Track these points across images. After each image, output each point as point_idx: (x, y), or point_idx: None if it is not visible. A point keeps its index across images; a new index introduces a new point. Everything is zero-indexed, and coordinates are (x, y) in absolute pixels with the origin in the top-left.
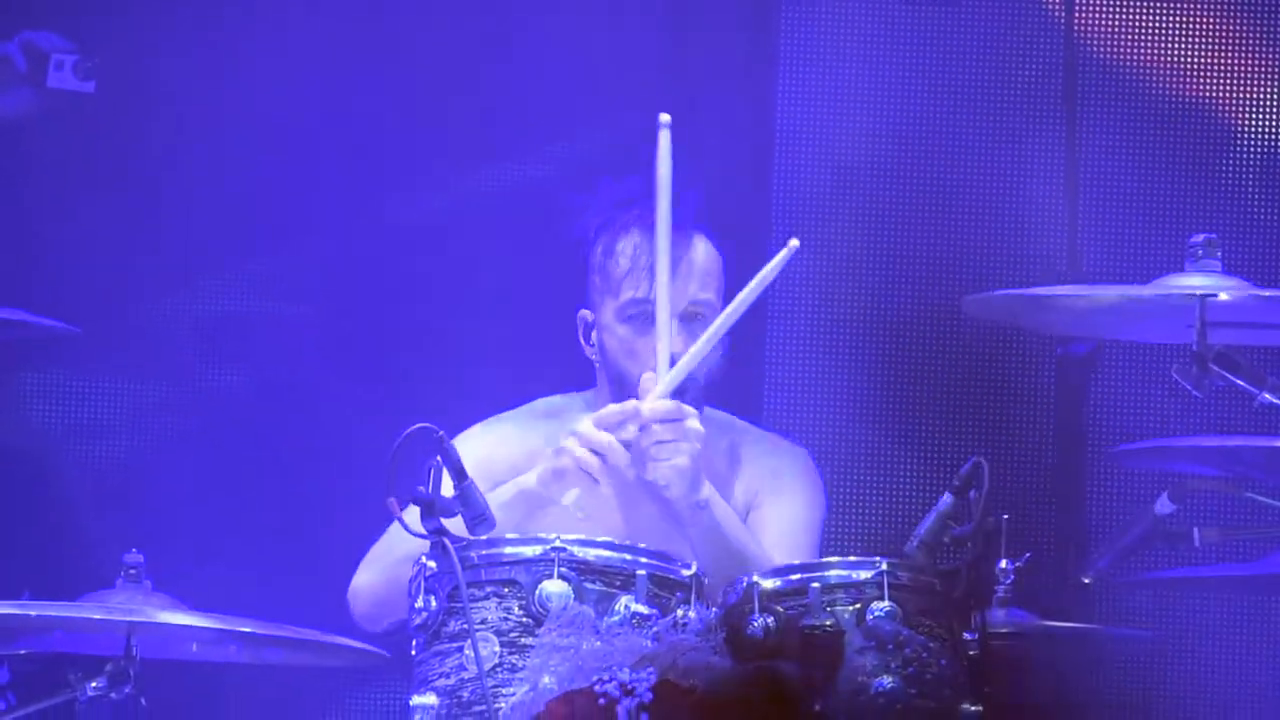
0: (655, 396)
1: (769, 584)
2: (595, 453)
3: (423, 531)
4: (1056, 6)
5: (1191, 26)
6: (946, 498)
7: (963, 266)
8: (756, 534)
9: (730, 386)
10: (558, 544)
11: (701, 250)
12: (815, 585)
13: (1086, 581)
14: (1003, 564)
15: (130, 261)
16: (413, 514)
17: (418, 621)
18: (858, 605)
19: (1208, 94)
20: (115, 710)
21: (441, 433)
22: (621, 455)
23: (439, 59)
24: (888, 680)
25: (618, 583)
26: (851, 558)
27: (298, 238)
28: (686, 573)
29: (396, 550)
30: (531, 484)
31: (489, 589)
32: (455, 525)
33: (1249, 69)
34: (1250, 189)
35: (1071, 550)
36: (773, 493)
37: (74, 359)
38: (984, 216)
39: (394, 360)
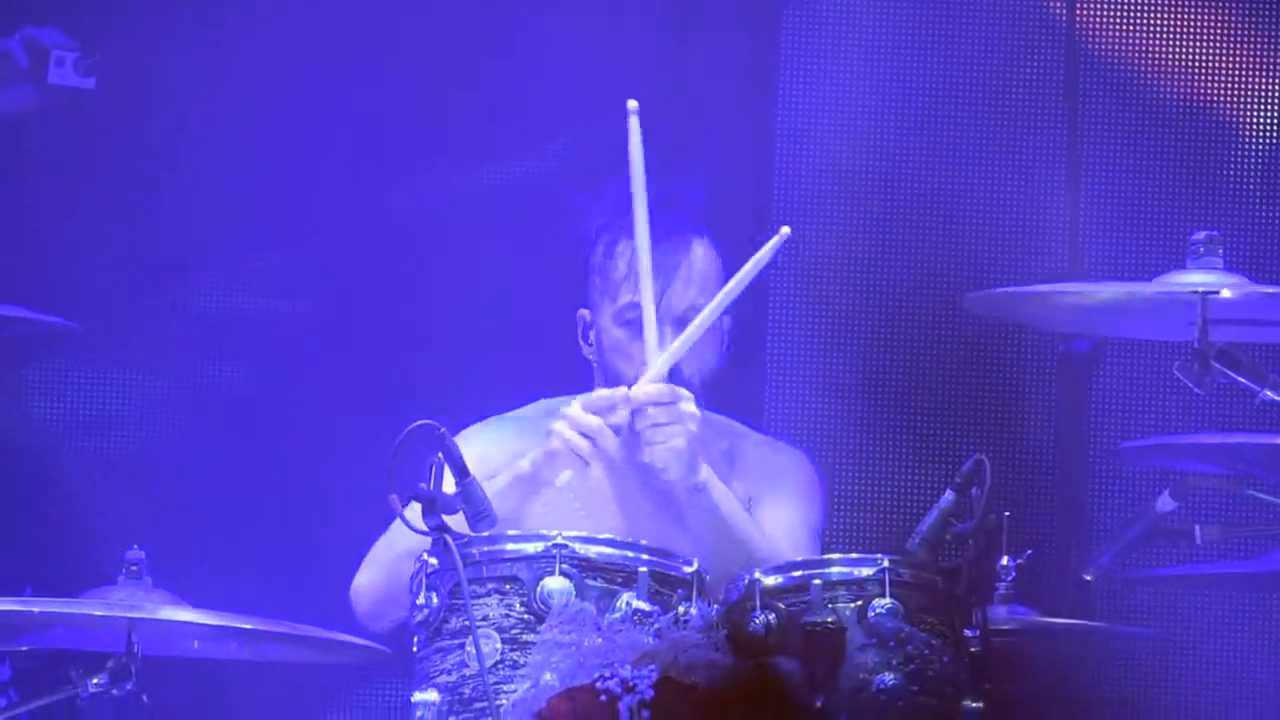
0: (648, 380)
1: (770, 581)
2: (585, 436)
3: (424, 528)
4: (1058, 4)
5: (1193, 24)
6: (948, 495)
7: (964, 264)
8: None
9: (731, 385)
10: (559, 541)
11: (700, 255)
12: (817, 582)
13: (1088, 579)
14: (1004, 561)
15: (131, 258)
16: (414, 511)
17: (419, 618)
18: (859, 602)
19: (1209, 91)
20: (117, 707)
21: (443, 429)
22: (610, 439)
23: (440, 57)
24: (889, 677)
25: (619, 579)
26: (853, 555)
27: (299, 234)
28: (688, 569)
29: (397, 547)
30: (525, 469)
31: (490, 586)
32: (457, 522)
33: (1251, 66)
34: (1252, 186)
35: (1073, 547)
36: (772, 494)
37: (75, 355)
38: (985, 214)
39: (395, 357)
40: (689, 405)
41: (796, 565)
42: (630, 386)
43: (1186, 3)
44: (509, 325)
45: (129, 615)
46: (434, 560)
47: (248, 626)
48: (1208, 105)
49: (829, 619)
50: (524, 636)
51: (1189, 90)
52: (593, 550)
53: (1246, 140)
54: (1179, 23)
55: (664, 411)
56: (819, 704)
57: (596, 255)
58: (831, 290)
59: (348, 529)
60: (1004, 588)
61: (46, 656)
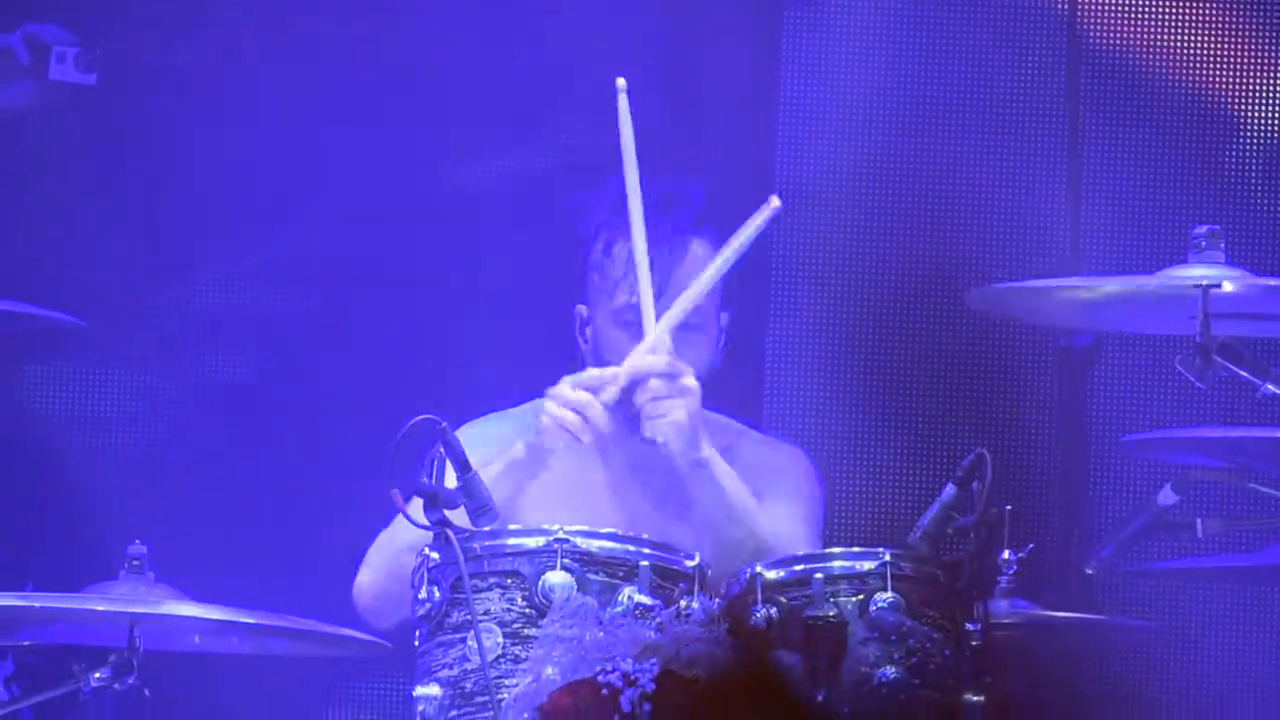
0: (645, 349)
1: (772, 574)
2: (574, 411)
3: (426, 523)
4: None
5: (1194, 17)
6: (950, 489)
7: (966, 260)
8: None
9: (731, 382)
10: (561, 535)
11: (699, 255)
12: (818, 576)
13: (1089, 572)
14: (1006, 555)
15: (133, 253)
16: (416, 506)
17: (421, 612)
18: (861, 596)
19: (1211, 85)
20: (119, 701)
21: (445, 424)
22: (599, 411)
23: (441, 54)
24: (891, 671)
25: (621, 574)
26: (855, 548)
27: (300, 230)
28: (690, 564)
29: (398, 543)
30: (520, 453)
31: (492, 580)
32: (458, 517)
33: (1252, 60)
34: (1253, 180)
35: (1074, 541)
36: (771, 492)
37: (77, 351)
38: (987, 209)
39: (396, 353)
40: (689, 379)
41: (798, 559)
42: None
43: None
44: (509, 321)
45: (131, 610)
46: (435, 555)
47: (249, 621)
48: (1209, 99)
49: (830, 613)
50: (525, 631)
51: (1190, 84)
52: (594, 544)
53: (1248, 134)
54: (1180, 17)
55: (666, 383)
56: (820, 698)
57: (595, 253)
58: (832, 286)
59: (349, 524)
60: (1005, 581)
61: (48, 651)
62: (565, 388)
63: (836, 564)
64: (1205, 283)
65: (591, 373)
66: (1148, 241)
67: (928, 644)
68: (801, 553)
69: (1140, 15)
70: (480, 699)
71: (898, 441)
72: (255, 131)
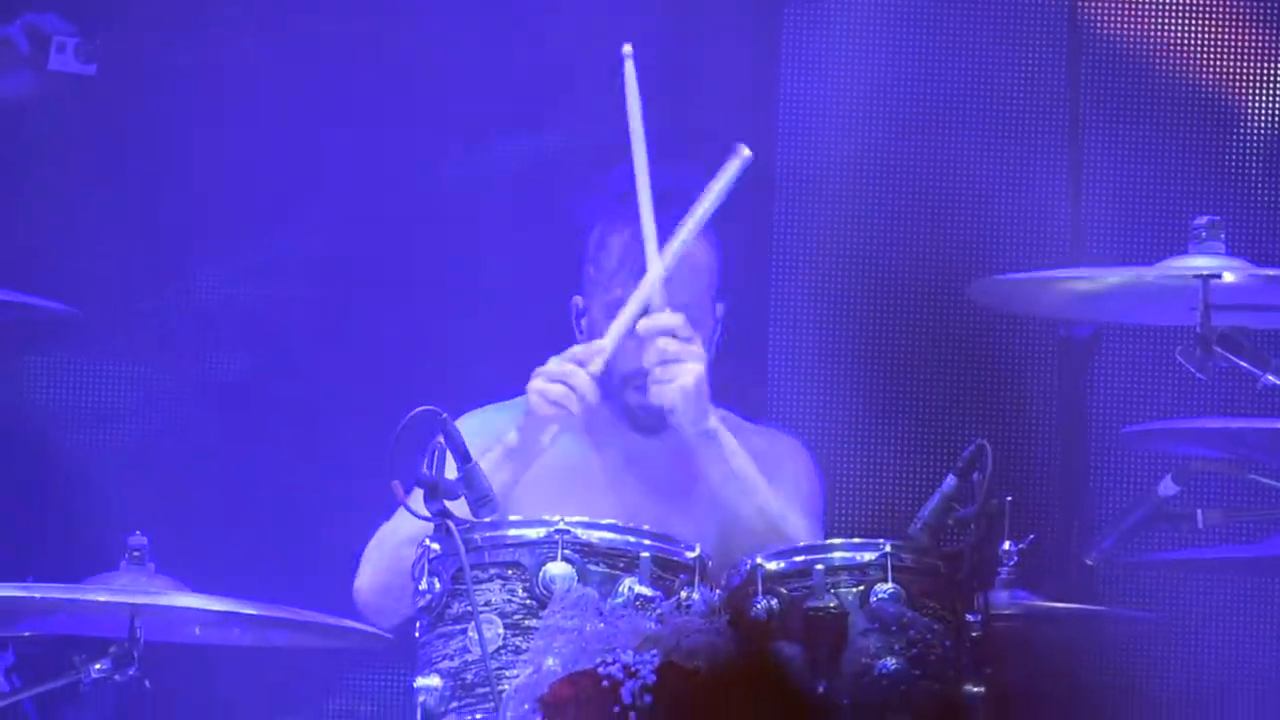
0: (637, 303)
1: (772, 566)
2: (561, 383)
3: (426, 514)
4: None
5: (1194, 8)
6: (950, 480)
7: (966, 251)
8: None
9: (733, 373)
10: (562, 526)
11: (695, 251)
12: (819, 567)
13: (1090, 563)
14: (1006, 546)
15: (132, 245)
16: (416, 496)
17: (422, 603)
18: (861, 587)
19: (1211, 76)
20: (119, 692)
21: (445, 415)
22: (585, 381)
23: (441, 49)
24: (891, 662)
25: (621, 565)
26: (855, 539)
27: (299, 223)
28: (690, 555)
29: (397, 536)
30: (514, 441)
31: (493, 571)
32: (459, 508)
33: (1253, 50)
34: (1254, 171)
35: (1075, 532)
36: (772, 483)
37: (77, 342)
38: (987, 202)
39: (395, 345)
40: (698, 345)
41: (799, 550)
42: (621, 376)
43: None
44: (508, 318)
45: (132, 601)
46: (436, 546)
47: (250, 612)
48: (1210, 90)
49: (831, 604)
50: (526, 622)
51: (1190, 76)
52: (595, 535)
53: (1248, 125)
54: (1180, 8)
55: (676, 343)
56: (821, 689)
57: (590, 246)
58: (833, 279)
59: (349, 516)
60: (1006, 572)
61: (49, 642)
62: (551, 363)
63: (837, 555)
64: (1206, 273)
65: (577, 347)
66: (1148, 232)
67: (928, 635)
68: (803, 544)
69: (1140, 7)
70: (481, 690)
71: (898, 433)
72: (255, 125)
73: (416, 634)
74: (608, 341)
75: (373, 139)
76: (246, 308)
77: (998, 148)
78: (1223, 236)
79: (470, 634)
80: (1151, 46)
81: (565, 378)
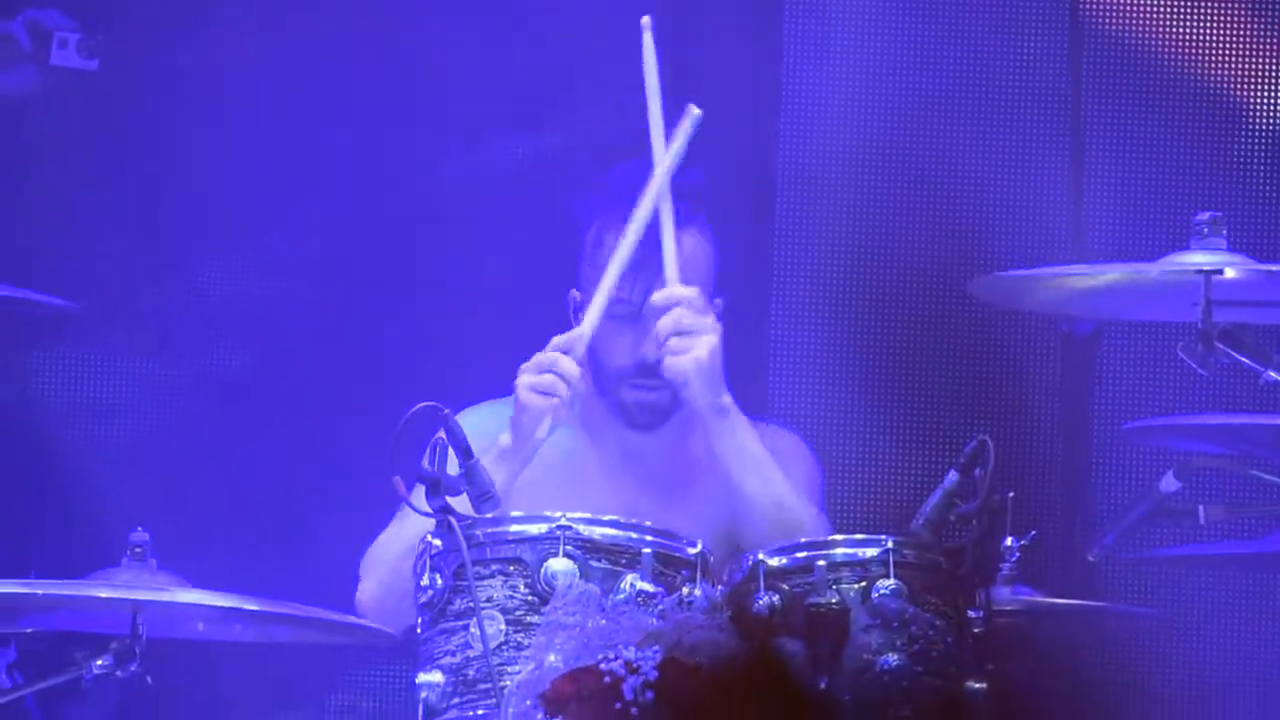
0: (611, 279)
1: (774, 562)
2: (545, 371)
3: (428, 510)
4: None
5: (1197, 3)
6: (952, 476)
7: (967, 247)
8: None
9: (734, 369)
10: (564, 522)
11: (688, 245)
12: (821, 563)
13: (1092, 559)
14: (1008, 541)
15: (134, 240)
16: (418, 492)
17: (423, 600)
18: (863, 583)
19: (1213, 72)
20: (121, 688)
21: (447, 411)
22: (569, 366)
23: (442, 44)
24: (893, 658)
25: (623, 561)
26: (857, 535)
27: (301, 218)
28: (692, 551)
29: (399, 543)
30: (507, 442)
31: (494, 567)
32: (460, 504)
33: (1256, 45)
34: (1256, 166)
35: (1077, 528)
36: None
37: (79, 338)
38: (989, 197)
39: (398, 341)
40: (711, 318)
41: (800, 546)
42: (616, 372)
43: None
44: (509, 313)
45: (133, 597)
46: (438, 542)
47: (253, 608)
48: (1212, 86)
49: (833, 600)
50: (528, 618)
51: (1193, 70)
52: (597, 531)
53: (1251, 120)
54: (1183, 3)
55: (691, 315)
56: (823, 685)
57: (588, 243)
58: (834, 274)
59: (351, 510)
60: (1008, 568)
61: (51, 638)
62: (534, 357)
63: (839, 551)
64: (1207, 269)
65: (557, 338)
66: (1150, 228)
67: (930, 631)
68: (808, 536)
69: (1142, 1)
70: (483, 686)
71: (900, 428)
72: (257, 121)
73: (418, 630)
74: (585, 327)
75: (373, 137)
76: (248, 304)
77: (999, 143)
78: (1225, 232)
79: (472, 630)
80: (1153, 41)
81: (550, 366)
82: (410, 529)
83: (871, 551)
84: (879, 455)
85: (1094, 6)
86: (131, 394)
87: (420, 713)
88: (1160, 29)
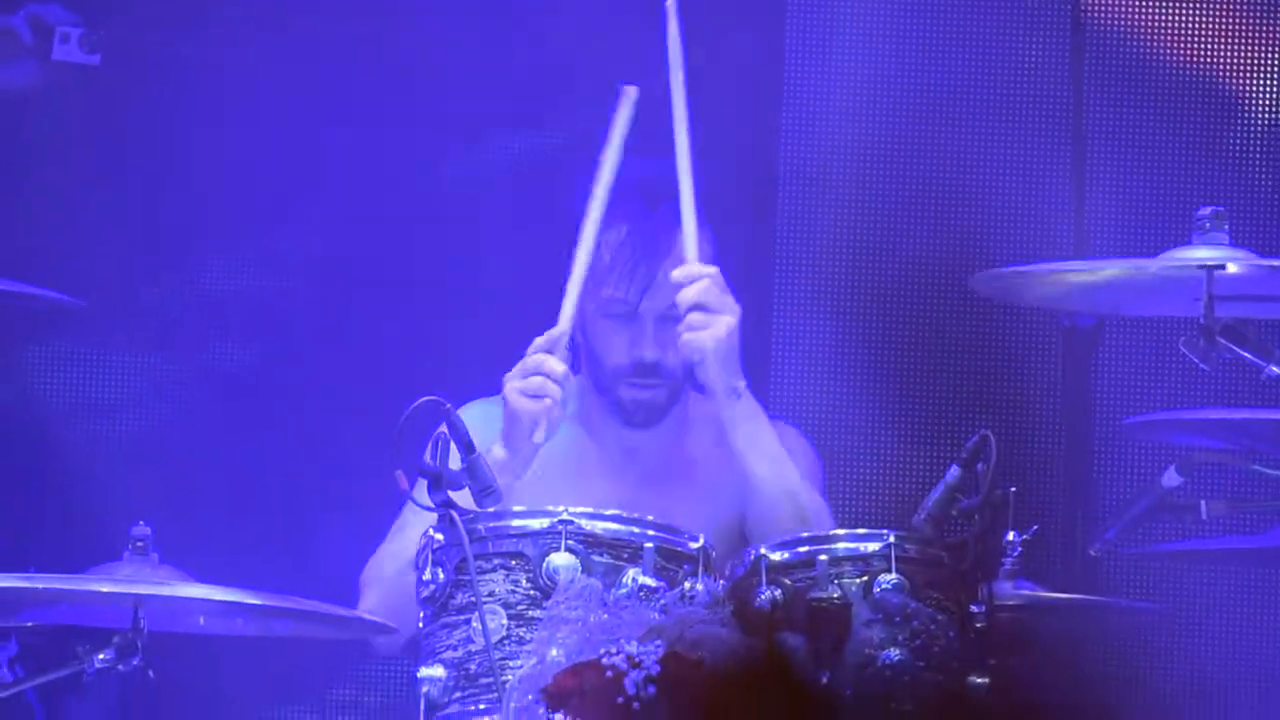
0: (581, 270)
1: (776, 556)
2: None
3: (430, 504)
4: None
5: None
6: (954, 471)
7: (969, 242)
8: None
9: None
10: (565, 516)
11: (684, 244)
12: (823, 558)
13: (1093, 554)
14: (1010, 536)
15: (136, 235)
16: (420, 487)
17: (425, 594)
18: (865, 578)
19: (1215, 67)
20: (123, 682)
21: (449, 405)
22: (557, 365)
23: (442, 38)
24: (895, 652)
25: (625, 555)
26: (859, 530)
27: (303, 214)
28: (694, 545)
29: (399, 559)
30: (502, 455)
31: (496, 561)
32: (462, 498)
33: (1258, 41)
34: (1258, 161)
35: (1079, 523)
36: None
37: (81, 333)
38: (991, 193)
39: (399, 336)
40: (730, 298)
41: (802, 540)
42: (613, 371)
43: None
44: (509, 311)
45: (135, 591)
46: (440, 536)
47: (254, 602)
48: (1214, 81)
49: (835, 594)
50: (530, 612)
51: (1195, 66)
52: (599, 526)
53: (1253, 116)
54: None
55: (715, 292)
56: (824, 680)
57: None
58: (836, 269)
59: (353, 505)
60: (1010, 563)
61: (52, 632)
62: (519, 364)
63: (841, 545)
64: (1210, 264)
65: (538, 339)
66: (1152, 223)
67: (932, 626)
68: (806, 534)
69: None
70: (485, 680)
71: (902, 424)
72: (259, 118)
73: (420, 624)
74: (564, 323)
75: (373, 136)
76: (249, 300)
77: (1001, 139)
78: (1227, 227)
79: (474, 624)
80: (1156, 37)
81: (536, 368)
82: (409, 541)
83: (873, 546)
84: (881, 450)
85: (1096, 4)
86: (133, 390)
87: (422, 707)
88: (1162, 25)
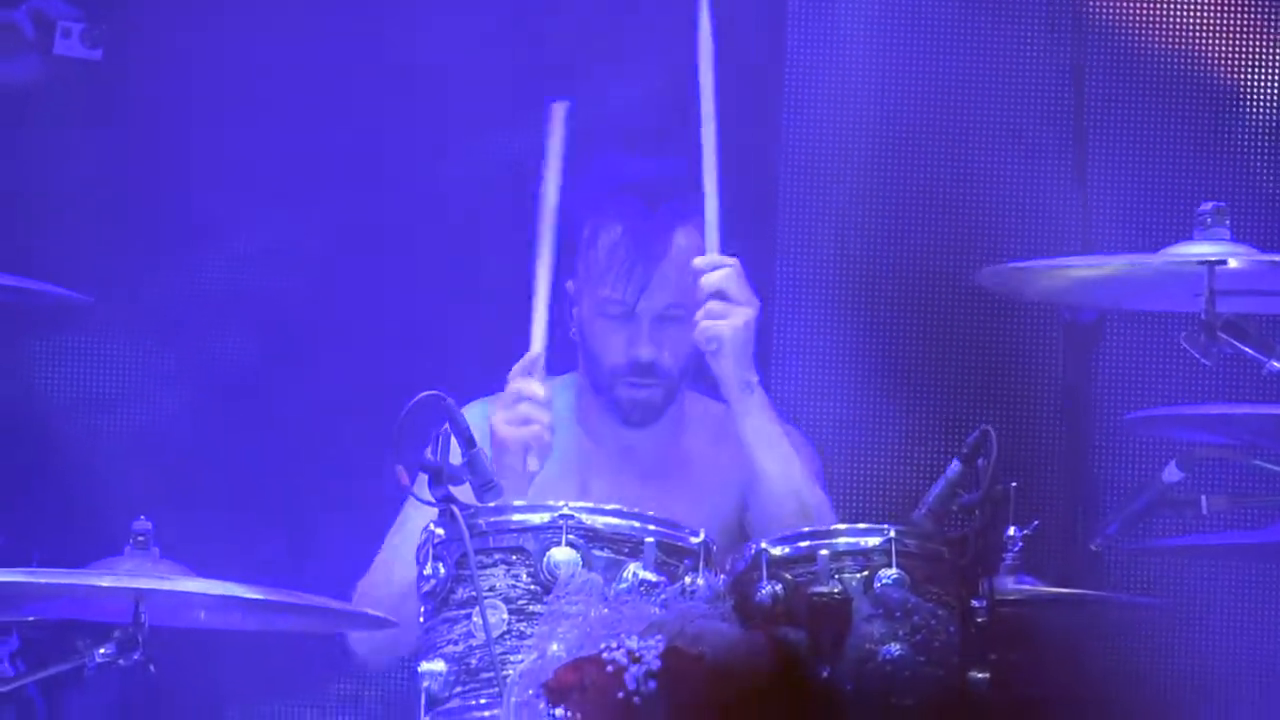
0: (545, 280)
1: (777, 551)
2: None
3: (431, 499)
4: None
5: None
6: (955, 465)
7: (970, 238)
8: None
9: None
10: (566, 511)
11: (682, 246)
12: (823, 552)
13: (1094, 549)
14: (1011, 531)
15: (136, 229)
16: (421, 482)
17: (426, 589)
18: (866, 572)
19: (1218, 62)
20: (124, 677)
21: (450, 400)
22: (538, 389)
23: (442, 34)
24: (895, 647)
25: (626, 550)
26: (860, 525)
27: (305, 209)
28: (695, 540)
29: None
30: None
31: (497, 556)
32: (463, 493)
33: (1260, 36)
34: (1260, 157)
35: (1079, 518)
36: None
37: (83, 328)
38: (992, 188)
39: (400, 332)
40: (749, 293)
41: (803, 535)
42: (610, 371)
43: None
44: (509, 309)
45: (136, 585)
46: (441, 531)
47: (255, 597)
48: (1216, 76)
49: (835, 589)
50: (531, 607)
51: (1197, 62)
52: (599, 520)
53: (1255, 111)
54: None
55: (738, 282)
56: (825, 674)
57: (582, 239)
58: (837, 265)
59: (354, 500)
60: (1010, 558)
61: (53, 627)
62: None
63: (842, 540)
64: (1211, 259)
65: (515, 366)
66: (1153, 218)
67: (932, 621)
68: (807, 529)
69: None
70: (485, 675)
71: (903, 418)
72: (261, 109)
73: (421, 619)
74: (536, 345)
75: (378, 125)
76: (251, 295)
77: (1002, 134)
78: (1228, 223)
79: (475, 619)
80: (1157, 31)
81: (518, 395)
82: (399, 570)
83: (874, 541)
84: (882, 445)
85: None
86: (134, 384)
87: (423, 702)
88: (1163, 19)
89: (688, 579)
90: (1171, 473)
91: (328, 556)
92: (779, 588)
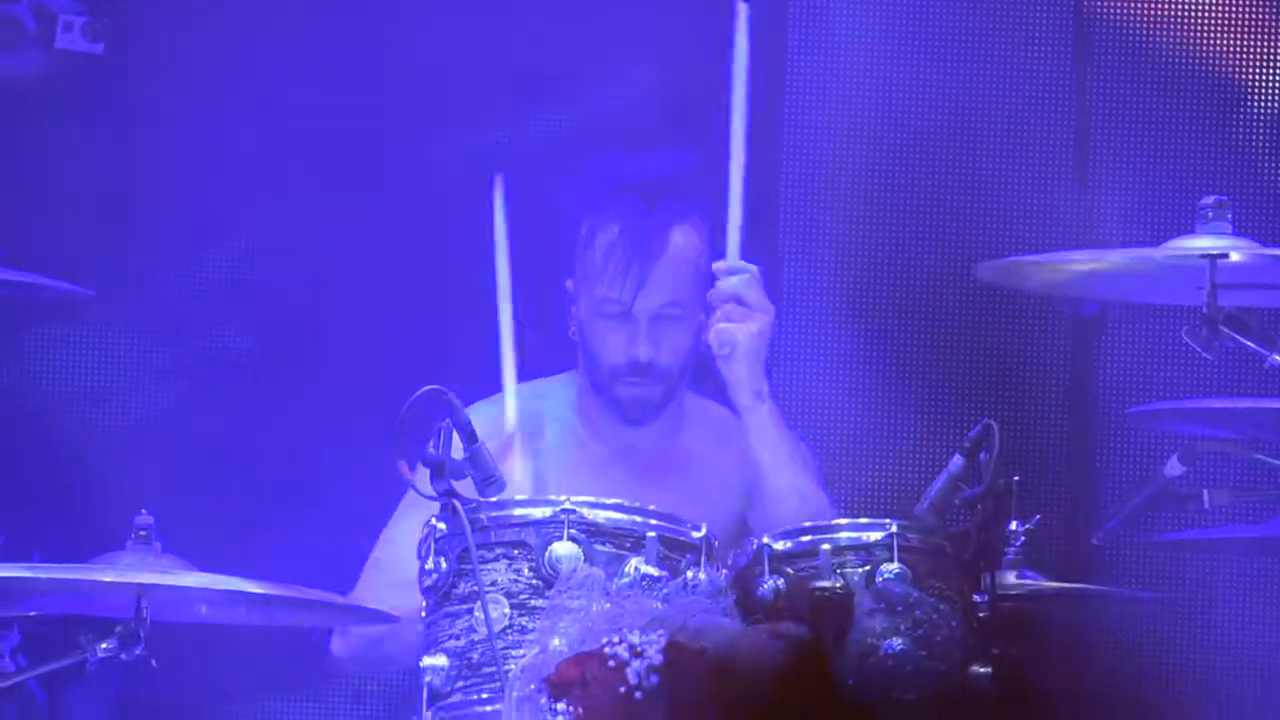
0: (506, 296)
1: (779, 546)
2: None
3: (432, 493)
4: None
5: None
6: (957, 460)
7: (973, 232)
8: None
9: None
10: (568, 506)
11: (679, 245)
12: (825, 547)
13: (1096, 543)
14: (1013, 526)
15: (136, 223)
16: (422, 476)
17: (428, 583)
18: (867, 567)
19: (1219, 55)
20: (126, 672)
21: (451, 394)
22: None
23: (443, 31)
24: (897, 642)
25: (628, 544)
26: (861, 519)
27: (305, 204)
28: (696, 535)
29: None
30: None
31: (499, 551)
32: (465, 487)
33: (1262, 30)
34: (1261, 150)
35: (1081, 512)
36: None
37: (84, 321)
38: (994, 182)
39: (402, 325)
40: (767, 302)
41: (805, 530)
42: (609, 370)
43: None
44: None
45: (138, 580)
46: (442, 525)
47: (256, 591)
48: (1218, 70)
49: (837, 584)
50: (532, 602)
51: (1199, 55)
52: (601, 515)
53: (1257, 105)
54: None
55: (756, 289)
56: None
57: (581, 240)
58: (839, 260)
59: (356, 495)
60: (1012, 552)
61: (55, 622)
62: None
63: (843, 535)
64: (1213, 253)
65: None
66: (1155, 212)
67: (934, 615)
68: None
69: None
70: (487, 670)
71: (905, 413)
72: (262, 101)
73: (423, 613)
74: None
75: (380, 119)
76: (251, 288)
77: (1004, 128)
78: (1230, 216)
79: (476, 614)
80: (1159, 26)
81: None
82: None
83: (876, 535)
84: (884, 439)
85: None
86: (136, 377)
87: (425, 696)
88: (1166, 13)
89: (689, 574)
90: (1173, 467)
91: (330, 550)
92: (781, 582)
